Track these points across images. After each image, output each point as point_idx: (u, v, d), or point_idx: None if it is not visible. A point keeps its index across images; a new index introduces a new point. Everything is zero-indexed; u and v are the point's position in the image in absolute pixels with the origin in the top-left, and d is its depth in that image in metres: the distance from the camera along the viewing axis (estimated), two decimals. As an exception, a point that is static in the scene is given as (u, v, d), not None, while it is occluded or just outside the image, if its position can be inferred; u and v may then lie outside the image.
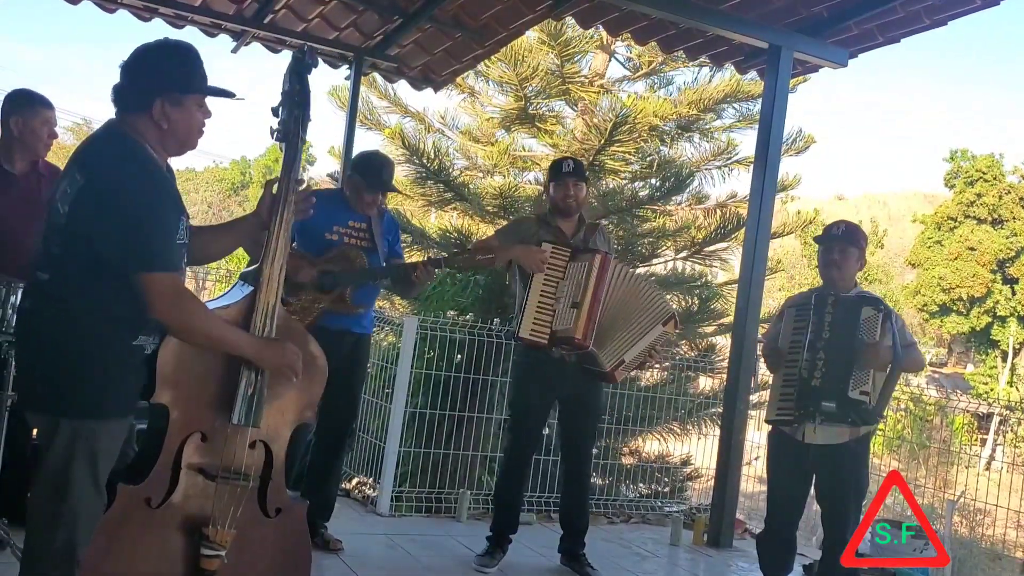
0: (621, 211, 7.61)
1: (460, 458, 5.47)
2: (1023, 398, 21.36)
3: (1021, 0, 4.58)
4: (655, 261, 8.21)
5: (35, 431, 2.51)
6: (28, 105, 3.46)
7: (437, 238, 7.71)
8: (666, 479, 7.08)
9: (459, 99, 9.21)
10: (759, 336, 5.16)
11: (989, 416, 21.31)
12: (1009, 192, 31.15)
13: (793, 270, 30.75)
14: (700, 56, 5.95)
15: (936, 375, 30.70)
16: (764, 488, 3.91)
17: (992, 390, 27.66)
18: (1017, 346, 30.82)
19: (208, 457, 2.38)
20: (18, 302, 2.99)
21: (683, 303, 7.88)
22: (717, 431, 5.83)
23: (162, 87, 2.27)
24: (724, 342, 7.86)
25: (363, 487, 5.34)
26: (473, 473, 5.66)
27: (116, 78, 2.32)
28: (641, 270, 7.77)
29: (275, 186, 2.48)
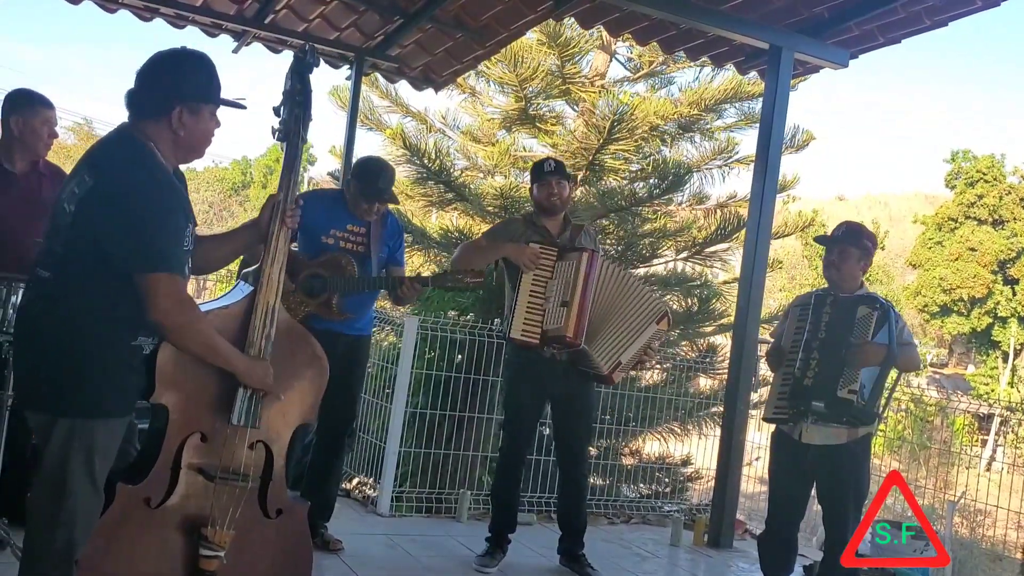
0: (621, 210, 7.61)
1: (460, 458, 5.48)
2: (1024, 399, 21.37)
3: (1021, 1, 4.56)
4: (656, 261, 8.21)
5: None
6: (28, 105, 3.46)
7: (438, 238, 7.72)
8: (666, 479, 7.08)
9: (460, 99, 9.22)
10: (759, 336, 5.17)
11: (990, 417, 21.29)
12: (1010, 193, 31.15)
13: (794, 270, 30.76)
14: (701, 56, 5.94)
15: (937, 376, 30.71)
16: (765, 488, 3.91)
17: (993, 391, 27.65)
18: (1018, 347, 30.81)
19: (208, 457, 2.38)
20: (20, 301, 2.99)
21: (683, 303, 7.88)
22: (717, 431, 5.83)
23: (183, 95, 2.29)
24: (724, 342, 7.86)
25: (363, 487, 5.35)
26: (473, 473, 5.66)
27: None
28: (641, 270, 7.78)
29: (276, 195, 2.49)
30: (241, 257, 3.36)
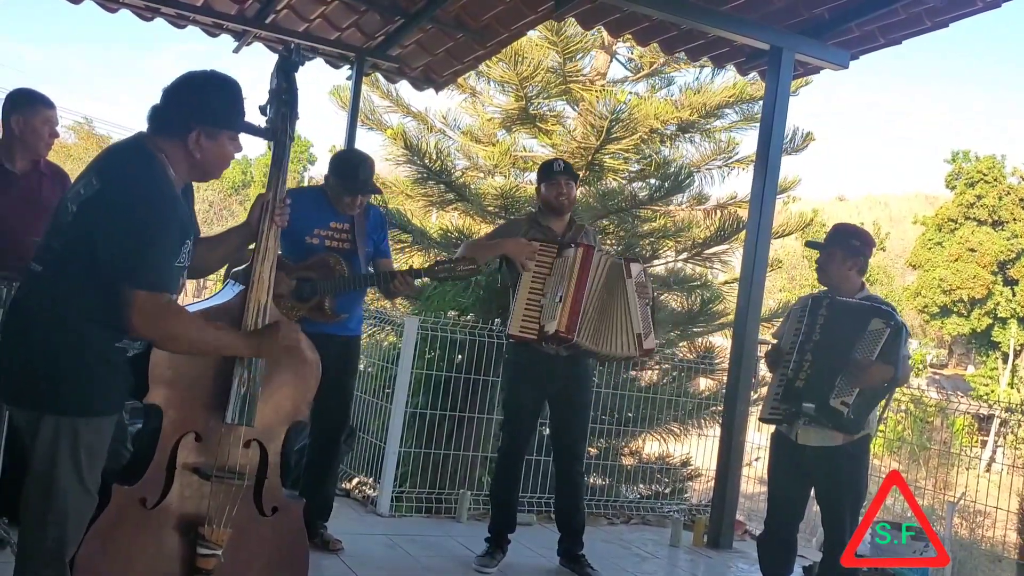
0: (621, 211, 7.61)
1: (460, 458, 5.47)
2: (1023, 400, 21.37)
3: (1022, 1, 4.56)
4: (656, 262, 8.21)
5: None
6: (29, 104, 3.46)
7: (438, 238, 7.71)
8: (666, 480, 7.08)
9: (460, 99, 9.22)
10: (759, 336, 5.16)
11: (990, 418, 21.30)
12: (1009, 193, 31.17)
13: (794, 270, 30.79)
14: (701, 57, 5.94)
15: (937, 376, 30.73)
16: (765, 489, 3.91)
17: (992, 392, 27.68)
18: (1018, 348, 30.83)
19: (203, 457, 2.39)
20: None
21: (684, 304, 7.88)
22: (717, 431, 5.83)
23: (202, 118, 2.30)
24: (724, 342, 7.86)
25: (363, 487, 5.35)
26: (473, 473, 5.66)
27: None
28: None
29: (266, 196, 2.50)
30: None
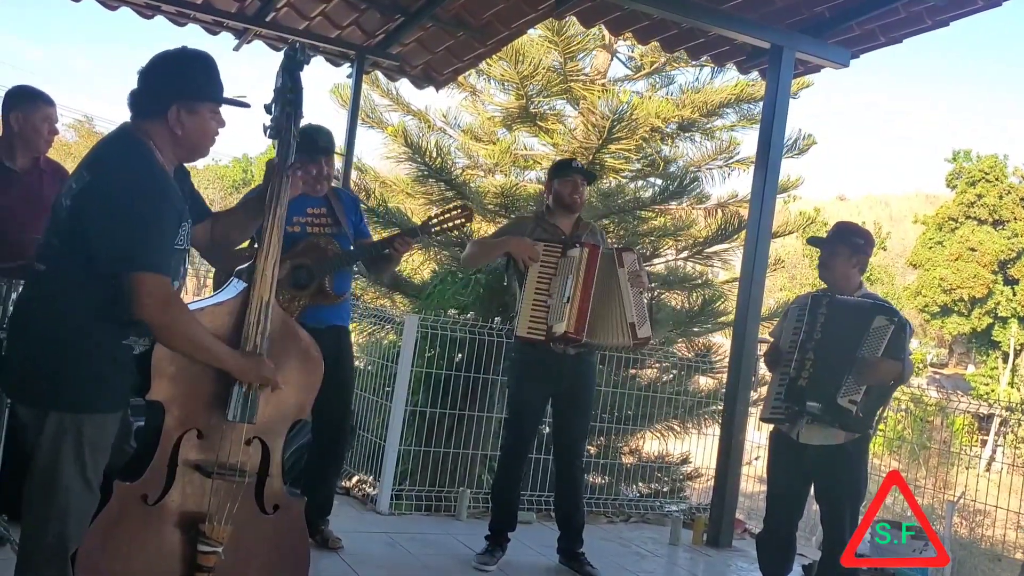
0: (622, 211, 7.62)
1: (460, 456, 5.47)
2: (1024, 399, 21.37)
3: (1022, 1, 4.56)
4: (656, 260, 8.22)
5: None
6: (29, 101, 3.46)
7: (438, 236, 7.71)
8: (666, 478, 7.08)
9: (461, 98, 9.24)
10: (760, 336, 5.16)
11: (990, 417, 21.29)
12: (1010, 192, 31.15)
13: (794, 269, 30.76)
14: (702, 56, 5.94)
15: (937, 376, 30.73)
16: (764, 488, 3.91)
17: (993, 391, 27.67)
18: (1018, 347, 30.82)
19: (204, 454, 2.39)
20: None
21: (684, 303, 7.88)
22: (717, 430, 5.83)
23: (179, 93, 2.30)
24: (723, 341, 7.86)
25: (363, 485, 5.34)
26: (473, 472, 5.66)
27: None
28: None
29: (273, 161, 2.51)
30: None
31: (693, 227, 8.25)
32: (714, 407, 6.72)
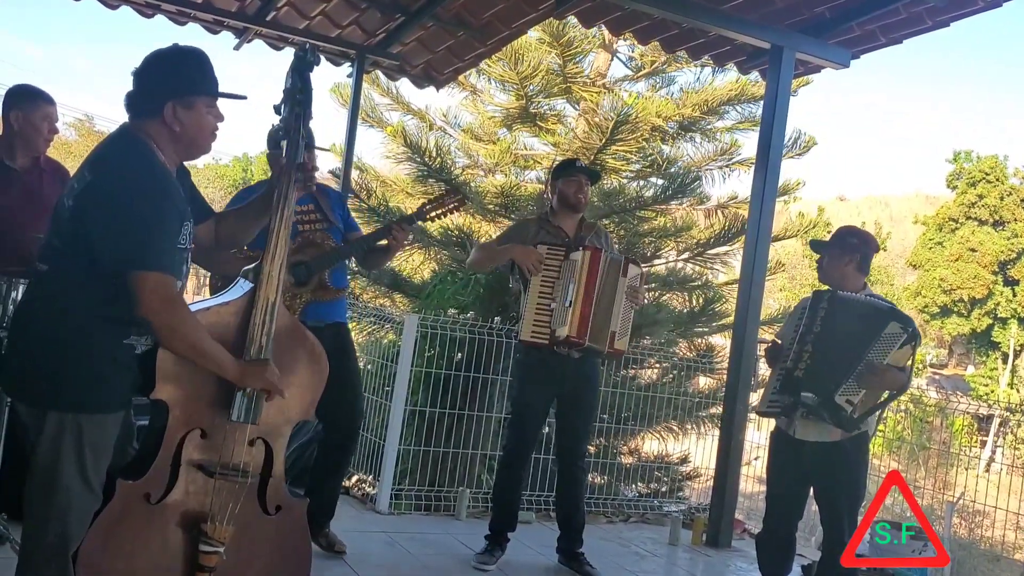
0: (623, 211, 7.61)
1: (460, 456, 5.48)
2: (1023, 400, 21.37)
3: (1022, 1, 4.55)
4: (656, 261, 8.22)
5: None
6: (29, 100, 3.46)
7: (438, 236, 7.72)
8: (665, 479, 7.08)
9: (461, 97, 9.23)
10: (759, 336, 5.16)
11: (989, 418, 21.31)
12: (1011, 194, 31.15)
13: (794, 270, 30.76)
14: (702, 56, 5.94)
15: (936, 376, 30.73)
16: (764, 488, 3.90)
17: (992, 392, 27.68)
18: (1018, 348, 30.83)
19: (207, 454, 2.39)
20: (19, 297, 3.01)
21: (684, 304, 7.88)
22: (716, 431, 5.83)
23: (173, 91, 2.29)
24: (723, 342, 7.86)
25: (362, 484, 5.34)
26: (473, 471, 5.66)
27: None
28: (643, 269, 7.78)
29: (278, 193, 2.50)
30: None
31: (694, 228, 8.25)
32: (714, 411, 6.71)
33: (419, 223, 3.97)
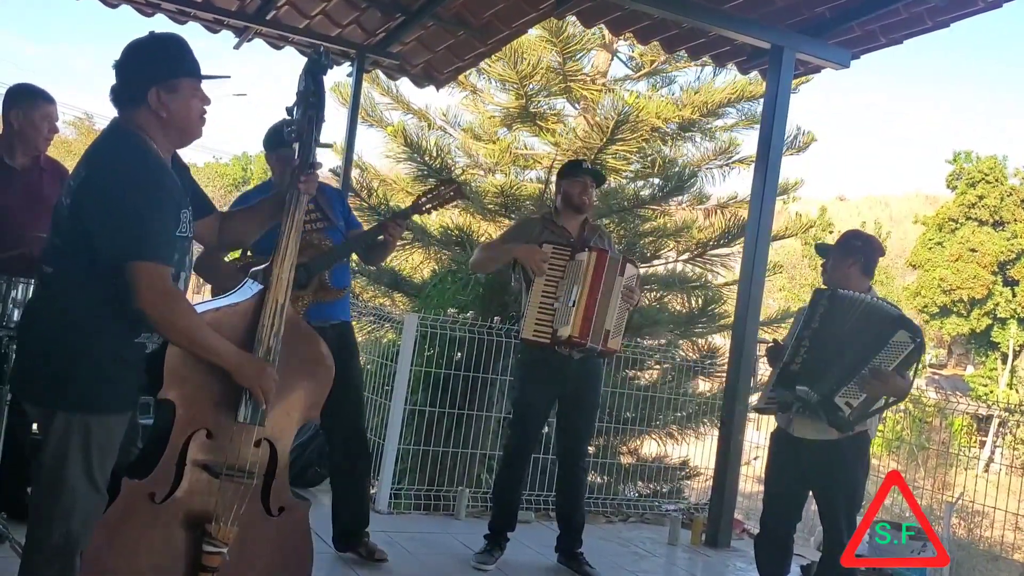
0: (623, 211, 7.61)
1: (459, 456, 5.48)
2: (1022, 400, 21.38)
3: (1022, 1, 4.55)
4: (656, 262, 8.22)
5: (35, 425, 2.52)
6: (28, 99, 3.45)
7: (438, 235, 7.73)
8: (664, 479, 7.08)
9: (461, 97, 9.23)
10: (759, 336, 5.16)
11: (988, 418, 21.30)
12: (1011, 194, 31.15)
13: (794, 271, 30.77)
14: (702, 56, 5.94)
15: (936, 377, 30.73)
16: (763, 488, 3.90)
17: (992, 392, 27.65)
18: (1017, 348, 30.84)
19: (213, 454, 2.39)
20: (19, 296, 3.01)
21: (685, 304, 7.88)
22: (716, 431, 5.83)
23: (154, 76, 2.28)
24: (724, 343, 7.86)
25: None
26: (472, 471, 5.66)
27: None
28: (642, 270, 7.78)
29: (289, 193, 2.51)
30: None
31: (693, 227, 8.25)
32: (714, 415, 6.70)
33: (418, 217, 3.94)
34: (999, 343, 30.86)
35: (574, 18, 5.75)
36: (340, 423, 3.72)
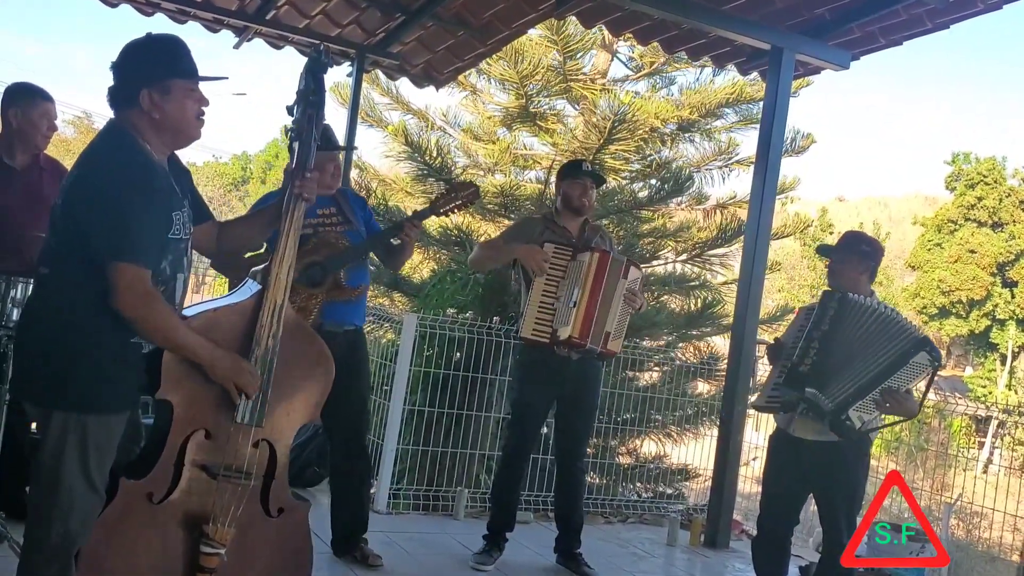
0: (621, 211, 7.61)
1: (458, 456, 5.48)
2: (1021, 402, 21.39)
3: (1022, 2, 4.55)
4: (655, 262, 8.22)
5: (34, 424, 2.52)
6: (27, 97, 3.45)
7: (437, 235, 7.72)
8: (663, 479, 7.08)
9: (461, 97, 9.23)
10: (758, 336, 5.16)
11: (987, 419, 21.31)
12: (1009, 195, 31.15)
13: (792, 270, 30.79)
14: (702, 57, 5.94)
15: (935, 378, 30.66)
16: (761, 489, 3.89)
17: (991, 393, 27.65)
18: (1016, 349, 30.83)
19: (211, 455, 2.38)
20: (18, 296, 3.01)
21: (684, 305, 7.88)
22: (715, 432, 5.83)
23: (147, 78, 2.28)
24: (724, 343, 7.86)
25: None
26: (471, 471, 5.66)
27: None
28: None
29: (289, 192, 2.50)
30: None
31: (693, 228, 8.25)
32: (714, 414, 6.70)
33: (432, 215, 3.89)
34: (998, 344, 30.86)
35: (574, 18, 5.76)
36: (341, 425, 3.72)
